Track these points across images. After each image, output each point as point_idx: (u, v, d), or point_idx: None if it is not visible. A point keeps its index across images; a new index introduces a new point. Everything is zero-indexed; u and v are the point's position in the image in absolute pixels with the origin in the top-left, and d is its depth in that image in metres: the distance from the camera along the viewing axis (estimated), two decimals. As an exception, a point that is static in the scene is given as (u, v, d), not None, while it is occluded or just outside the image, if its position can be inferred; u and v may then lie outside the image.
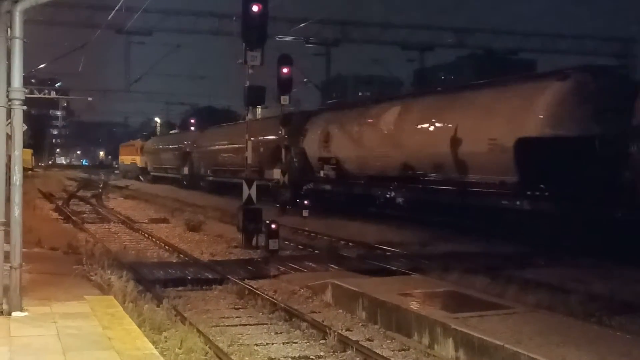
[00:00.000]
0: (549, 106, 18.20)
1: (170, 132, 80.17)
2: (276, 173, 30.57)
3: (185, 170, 54.59)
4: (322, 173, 29.43)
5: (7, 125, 8.80)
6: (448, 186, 21.33)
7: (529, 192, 18.09)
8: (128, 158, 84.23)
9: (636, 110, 15.60)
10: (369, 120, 26.05)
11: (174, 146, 60.07)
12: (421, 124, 22.69)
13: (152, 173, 69.22)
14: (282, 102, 28.59)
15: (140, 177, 73.28)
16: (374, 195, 25.60)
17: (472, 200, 20.23)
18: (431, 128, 22.14)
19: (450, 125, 21.12)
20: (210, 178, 47.82)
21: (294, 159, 31.91)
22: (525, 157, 17.83)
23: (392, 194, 24.38)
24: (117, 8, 35.12)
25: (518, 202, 18.55)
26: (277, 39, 40.02)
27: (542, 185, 17.91)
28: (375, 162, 25.27)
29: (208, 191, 44.65)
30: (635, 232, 15.06)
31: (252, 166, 36.98)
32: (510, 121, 18.91)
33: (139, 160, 76.45)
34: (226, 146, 44.00)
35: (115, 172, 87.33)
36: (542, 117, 18.26)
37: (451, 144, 20.85)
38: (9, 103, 8.65)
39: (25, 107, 8.74)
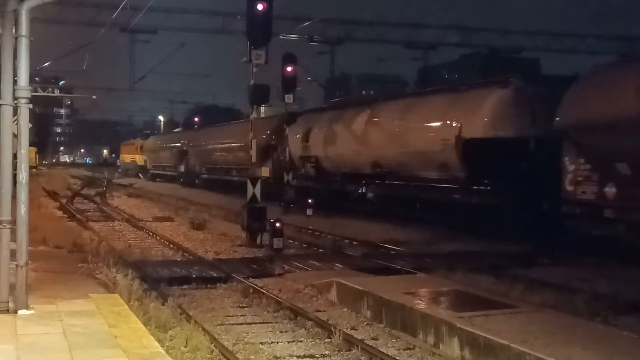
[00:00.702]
0: (492, 110, 19.95)
1: (174, 130, 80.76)
2: (265, 171, 29.07)
3: (182, 168, 56.55)
4: (303, 170, 31.74)
5: (14, 123, 8.82)
6: (410, 182, 23.38)
7: (474, 187, 20.20)
8: (128, 156, 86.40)
9: (558, 114, 17.32)
10: (343, 123, 27.86)
11: (171, 145, 61.75)
12: (387, 126, 24.42)
13: (151, 171, 71.03)
14: (286, 101, 28.65)
15: (140, 174, 74.81)
16: (348, 190, 27.53)
17: (430, 194, 22.35)
18: (397, 129, 23.75)
19: (411, 126, 22.95)
20: (205, 176, 49.67)
21: (280, 157, 34.00)
22: (472, 155, 19.75)
23: (364, 189, 26.31)
24: (121, 6, 35.11)
25: (459, 196, 20.97)
26: (282, 37, 40.03)
27: (485, 181, 19.98)
28: (349, 161, 27.19)
29: (210, 189, 45.29)
30: (558, 222, 17.44)
31: (244, 164, 36.83)
32: (459, 123, 20.51)
33: (138, 158, 78.57)
34: (219, 145, 45.49)
35: (119, 170, 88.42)
36: (486, 119, 19.96)
37: (411, 144, 22.66)
38: (15, 101, 8.66)
39: (31, 106, 8.76)
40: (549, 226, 17.81)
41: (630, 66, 17.45)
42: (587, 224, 16.79)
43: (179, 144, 58.51)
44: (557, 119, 17.40)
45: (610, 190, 16.11)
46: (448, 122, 20.88)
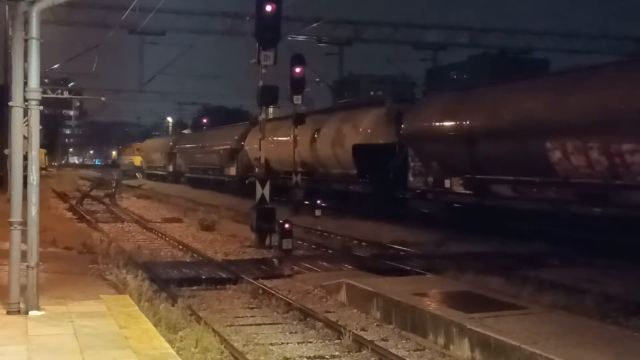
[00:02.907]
0: (370, 124, 27.34)
1: (183, 131, 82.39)
2: (232, 170, 43.40)
3: (170, 168, 64.97)
4: (257, 170, 34.71)
5: (24, 125, 8.85)
6: (324, 177, 31.24)
7: (360, 180, 27.13)
8: (128, 158, 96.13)
9: (402, 127, 24.71)
10: (279, 133, 34.39)
11: (161, 147, 69.73)
12: (306, 135, 30.79)
13: (145, 171, 79.79)
14: (294, 102, 28.68)
15: (137, 174, 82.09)
16: (288, 185, 32.20)
17: (335, 186, 30.18)
18: (315, 137, 30.70)
19: (323, 134, 30.14)
20: (188, 174, 57.91)
21: (243, 159, 41.60)
22: (359, 157, 26.56)
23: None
24: (130, 8, 35.27)
25: (352, 187, 28.66)
26: (290, 38, 40.03)
27: (367, 175, 26.81)
28: (286, 162, 32.33)
29: (193, 186, 51.98)
30: (406, 205, 25.08)
31: (215, 165, 48.45)
32: (351, 133, 27.70)
33: (135, 159, 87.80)
34: (199, 149, 53.52)
35: (121, 169, 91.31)
36: (369, 130, 27.18)
37: (324, 149, 29.96)
38: (26, 103, 8.69)
39: (41, 108, 8.79)
40: (401, 207, 25.09)
41: (438, 94, 26.32)
42: (419, 205, 24.44)
43: (168, 147, 65.51)
44: (401, 130, 24.78)
45: (430, 180, 23.54)
46: (344, 133, 28.06)
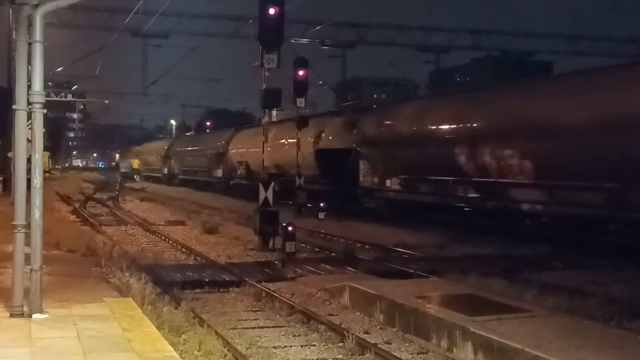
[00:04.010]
0: (331, 131, 30.93)
1: (186, 134, 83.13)
2: (219, 172, 47.88)
3: (165, 170, 68.66)
4: (239, 172, 43.45)
5: (28, 128, 8.86)
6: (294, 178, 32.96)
7: (323, 180, 30.19)
8: (127, 161, 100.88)
9: (354, 133, 28.68)
10: (257, 140, 37.10)
11: (157, 151, 74.16)
12: (278, 140, 34.66)
13: (142, 173, 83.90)
14: (297, 105, 28.71)
15: (135, 176, 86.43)
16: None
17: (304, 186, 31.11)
18: (286, 144, 34.08)
19: (289, 141, 32.88)
20: (181, 176, 62.01)
21: (228, 162, 46.22)
22: (322, 160, 29.86)
23: (272, 184, 35.07)
24: (134, 11, 35.31)
25: (317, 186, 31.04)
26: (293, 41, 40.15)
27: (328, 175, 30.06)
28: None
29: (185, 186, 55.60)
30: (357, 200, 28.42)
31: (204, 167, 53.20)
32: (314, 139, 31.09)
33: (133, 162, 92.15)
34: (190, 152, 58.67)
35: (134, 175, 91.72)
36: (330, 137, 30.87)
37: (289, 153, 31.53)
38: (30, 106, 8.70)
39: (45, 111, 8.79)
40: (354, 203, 28.45)
41: (381, 107, 30.82)
42: (366, 201, 27.96)
43: (163, 151, 69.97)
44: (353, 137, 28.71)
45: (375, 180, 27.52)
46: (309, 139, 30.75)
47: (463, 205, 22.72)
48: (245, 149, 42.27)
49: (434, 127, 23.21)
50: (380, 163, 26.90)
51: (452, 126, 22.24)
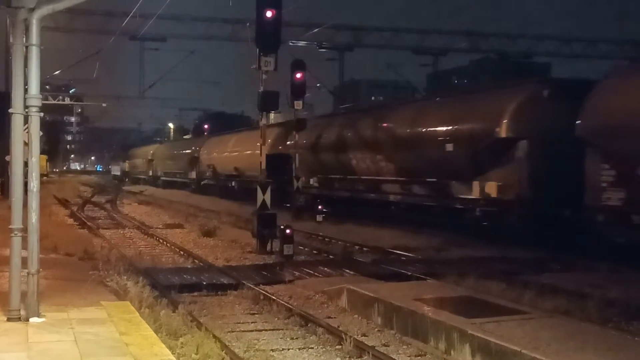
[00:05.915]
0: (275, 138, 34.66)
1: (184, 137, 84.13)
2: (193, 174, 55.16)
3: (150, 172, 75.70)
4: (207, 173, 50.79)
5: (25, 132, 8.85)
6: (248, 178, 37.90)
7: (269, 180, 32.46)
8: (117, 164, 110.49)
9: (291, 140, 32.62)
10: (222, 145, 47.51)
11: (143, 155, 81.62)
12: (238, 147, 41.87)
13: (131, 175, 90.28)
14: (295, 107, 28.78)
15: (126, 178, 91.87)
16: (228, 185, 45.00)
17: (252, 186, 34.11)
18: (247, 151, 39.20)
19: (245, 147, 40.04)
20: (163, 178, 68.90)
21: (200, 165, 52.86)
22: (270, 163, 30.30)
23: (233, 183, 44.21)
24: (131, 14, 35.33)
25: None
26: (291, 44, 40.12)
27: (271, 176, 32.86)
28: (226, 167, 45.50)
29: (169, 187, 61.28)
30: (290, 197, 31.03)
31: (181, 170, 61.58)
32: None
33: (123, 166, 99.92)
34: (170, 156, 66.48)
35: (124, 177, 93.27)
36: (273, 144, 33.03)
37: (246, 158, 37.99)
38: (26, 110, 8.70)
39: (42, 114, 8.79)
40: (288, 200, 31.11)
41: (312, 119, 34.36)
42: (297, 198, 30.65)
43: (148, 155, 77.10)
44: (288, 143, 33.73)
45: (303, 179, 31.36)
46: (258, 144, 33.27)
47: (354, 196, 29.60)
48: (212, 154, 50.39)
49: (333, 139, 30.85)
50: (306, 165, 32.09)
51: (344, 137, 29.94)
